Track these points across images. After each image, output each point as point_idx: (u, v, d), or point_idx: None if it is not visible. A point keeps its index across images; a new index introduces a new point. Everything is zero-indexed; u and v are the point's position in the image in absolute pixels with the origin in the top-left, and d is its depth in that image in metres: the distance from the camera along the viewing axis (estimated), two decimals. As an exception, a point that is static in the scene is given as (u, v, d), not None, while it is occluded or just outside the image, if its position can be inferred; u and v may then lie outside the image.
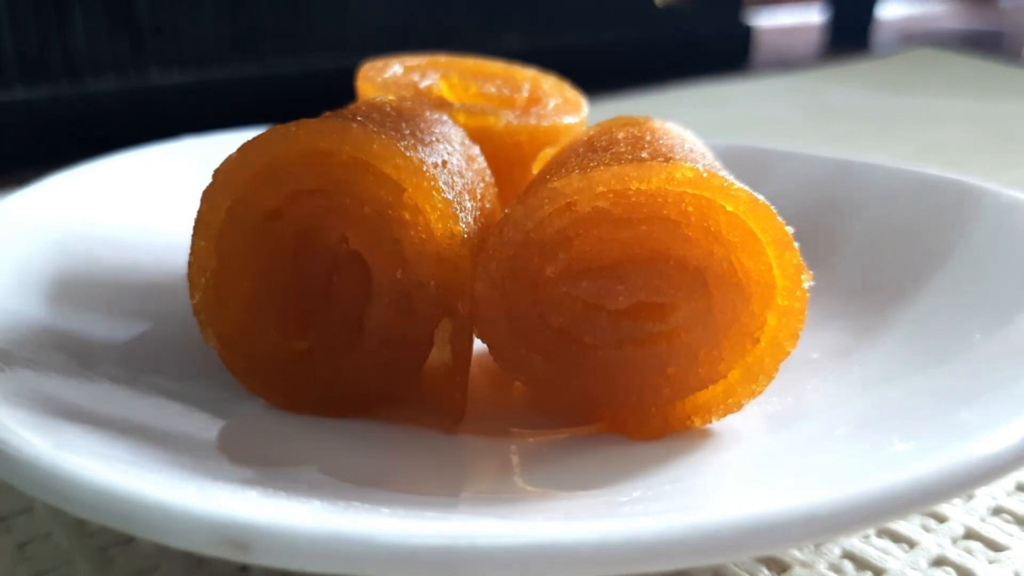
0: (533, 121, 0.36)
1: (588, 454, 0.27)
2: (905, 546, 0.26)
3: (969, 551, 0.26)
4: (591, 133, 0.33)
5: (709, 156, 0.29)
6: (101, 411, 0.24)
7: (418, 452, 0.27)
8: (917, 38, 1.36)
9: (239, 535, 0.16)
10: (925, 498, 0.20)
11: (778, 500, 0.19)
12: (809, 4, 1.47)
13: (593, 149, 0.29)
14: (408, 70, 0.39)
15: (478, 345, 0.28)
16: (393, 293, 0.27)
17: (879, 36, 1.37)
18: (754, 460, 0.27)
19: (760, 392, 0.27)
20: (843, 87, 0.96)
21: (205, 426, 0.26)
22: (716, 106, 0.89)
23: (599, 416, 0.28)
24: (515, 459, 0.27)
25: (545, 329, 0.27)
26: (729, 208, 0.26)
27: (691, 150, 0.29)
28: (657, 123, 0.33)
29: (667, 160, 0.26)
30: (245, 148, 0.26)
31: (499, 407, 0.30)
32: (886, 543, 0.27)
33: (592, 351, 0.27)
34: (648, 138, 0.30)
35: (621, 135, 0.30)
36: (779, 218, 0.26)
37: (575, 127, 0.37)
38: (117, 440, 0.22)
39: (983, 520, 0.28)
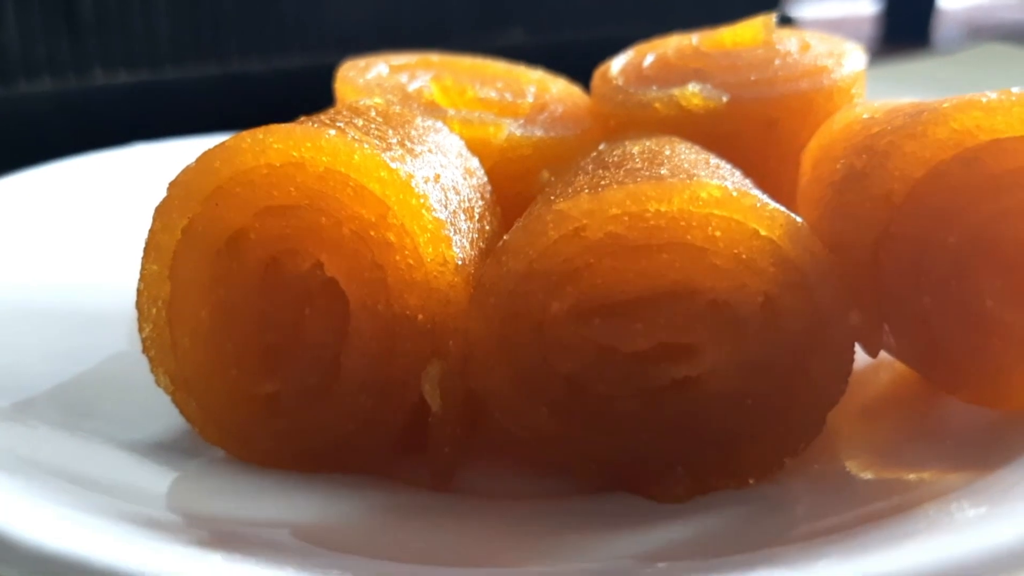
0: (539, 132, 0.37)
1: (602, 520, 0.27)
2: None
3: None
4: (601, 147, 0.34)
5: (738, 174, 0.30)
6: (37, 460, 0.24)
7: (401, 515, 0.27)
8: (984, 32, 1.37)
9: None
10: (996, 568, 0.20)
11: (825, 573, 0.19)
12: (860, -7, 1.50)
13: (604, 165, 0.30)
14: (395, 70, 0.40)
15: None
16: (374, 328, 0.27)
17: (940, 30, 1.39)
18: (797, 527, 0.27)
19: (804, 449, 0.27)
20: (899, 87, 0.97)
21: (155, 479, 0.26)
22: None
23: (615, 477, 0.28)
24: (515, 524, 0.27)
25: (551, 376, 0.27)
26: (763, 232, 0.26)
27: (717, 166, 0.30)
28: (677, 136, 0.34)
29: (690, 177, 0.27)
30: (205, 158, 0.27)
31: (496, 464, 0.30)
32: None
33: (606, 402, 0.27)
34: (667, 152, 0.30)
35: (636, 149, 0.31)
36: (821, 244, 0.26)
37: (586, 138, 0.37)
38: (56, 494, 0.22)
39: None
